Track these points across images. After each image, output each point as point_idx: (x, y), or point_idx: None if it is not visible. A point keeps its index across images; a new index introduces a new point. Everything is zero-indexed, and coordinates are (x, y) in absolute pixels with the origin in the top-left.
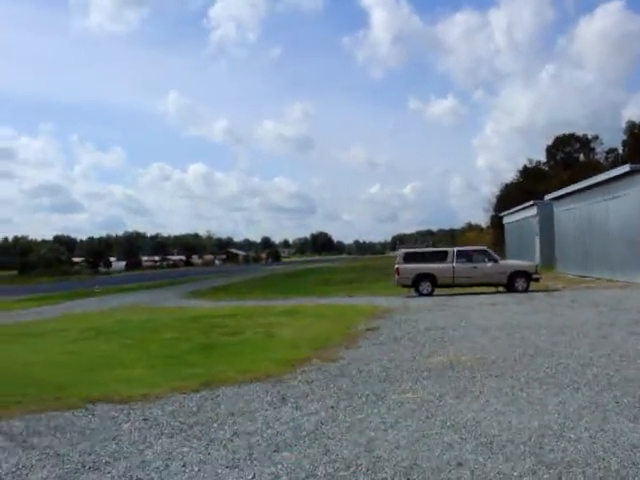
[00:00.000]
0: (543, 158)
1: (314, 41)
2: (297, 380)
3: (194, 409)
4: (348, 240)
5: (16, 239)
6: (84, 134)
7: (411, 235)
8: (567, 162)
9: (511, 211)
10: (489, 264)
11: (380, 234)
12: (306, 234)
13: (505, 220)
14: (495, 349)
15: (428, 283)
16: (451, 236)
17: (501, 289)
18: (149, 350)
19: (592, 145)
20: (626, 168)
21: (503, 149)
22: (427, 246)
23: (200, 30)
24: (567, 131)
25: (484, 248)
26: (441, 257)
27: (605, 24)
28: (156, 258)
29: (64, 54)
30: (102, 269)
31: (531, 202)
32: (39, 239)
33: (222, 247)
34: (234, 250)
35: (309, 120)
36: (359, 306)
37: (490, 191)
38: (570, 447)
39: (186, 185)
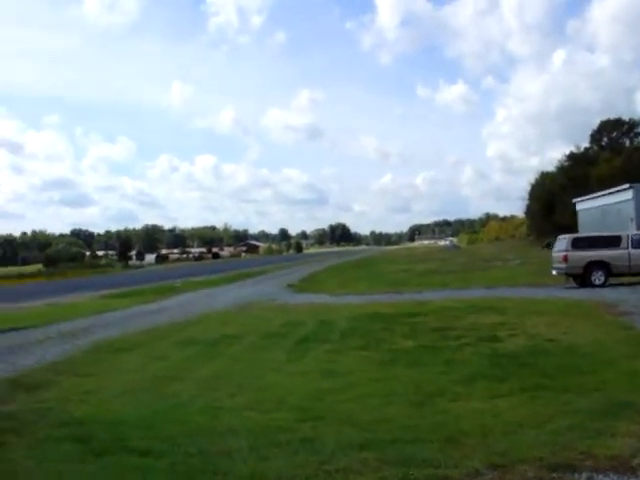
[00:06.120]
0: (561, 145)
1: (319, 27)
2: None
3: None
4: (363, 231)
5: (34, 234)
6: (89, 127)
7: (428, 225)
8: (613, 147)
9: (590, 197)
10: None
11: (394, 224)
12: (319, 225)
13: (580, 206)
14: None
15: (601, 272)
16: (471, 226)
17: None
18: (428, 368)
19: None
20: None
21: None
22: (445, 237)
23: (200, 16)
24: (581, 117)
25: None
26: (614, 243)
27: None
28: (175, 251)
29: (63, 47)
30: (134, 262)
31: (626, 185)
32: (56, 233)
33: (239, 239)
34: (253, 242)
35: (317, 109)
36: (548, 300)
37: (501, 180)
38: None
39: (195, 177)
